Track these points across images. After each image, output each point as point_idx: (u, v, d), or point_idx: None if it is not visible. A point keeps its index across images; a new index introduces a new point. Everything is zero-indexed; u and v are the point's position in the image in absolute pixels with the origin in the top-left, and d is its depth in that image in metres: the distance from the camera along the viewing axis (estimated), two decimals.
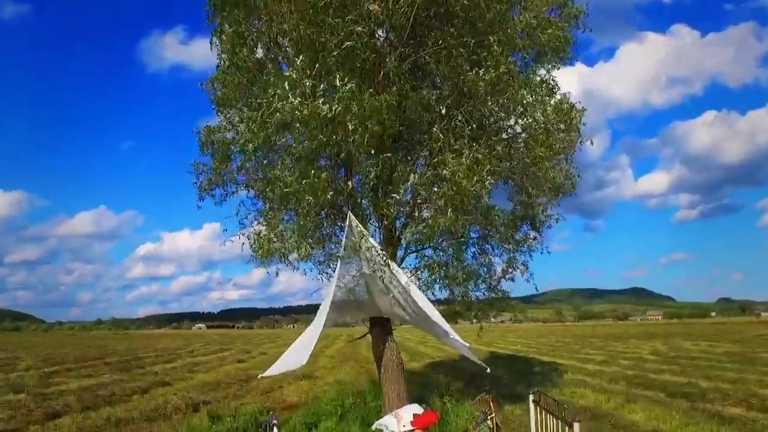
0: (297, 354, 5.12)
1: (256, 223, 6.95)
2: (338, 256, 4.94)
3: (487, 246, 7.34)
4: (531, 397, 4.25)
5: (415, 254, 6.65)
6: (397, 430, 3.39)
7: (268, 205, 6.62)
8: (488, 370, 5.89)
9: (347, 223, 4.91)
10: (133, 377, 16.89)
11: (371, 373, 14.32)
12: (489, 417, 3.35)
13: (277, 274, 6.65)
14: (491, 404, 3.41)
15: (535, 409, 4.23)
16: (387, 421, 3.50)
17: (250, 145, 5.10)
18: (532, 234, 7.21)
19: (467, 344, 4.33)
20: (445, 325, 4.59)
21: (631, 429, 8.09)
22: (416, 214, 6.20)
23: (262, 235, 6.52)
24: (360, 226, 5.11)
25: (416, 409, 3.46)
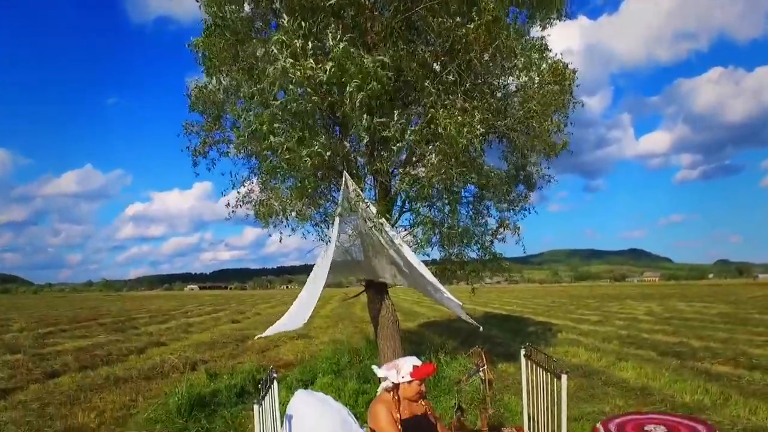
0: (295, 315, 5.34)
1: (249, 183, 7.09)
2: (335, 214, 5.08)
3: (481, 206, 7.50)
4: (522, 352, 4.50)
5: (409, 212, 6.84)
6: (396, 381, 3.62)
7: (263, 169, 6.74)
8: (481, 329, 6.15)
9: (343, 182, 5.05)
10: (129, 338, 17.26)
11: (366, 332, 14.73)
12: (481, 369, 3.58)
13: (278, 238, 6.83)
14: (483, 357, 3.63)
15: (526, 363, 4.48)
16: (387, 371, 3.71)
17: (264, 127, 5.16)
18: (527, 192, 7.36)
19: (460, 303, 4.54)
20: (438, 284, 4.80)
21: (620, 386, 8.47)
22: (411, 170, 6.32)
23: (260, 199, 6.69)
24: (355, 185, 5.25)
25: (415, 361, 3.66)
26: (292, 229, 6.72)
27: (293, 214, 6.33)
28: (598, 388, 8.32)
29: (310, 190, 6.06)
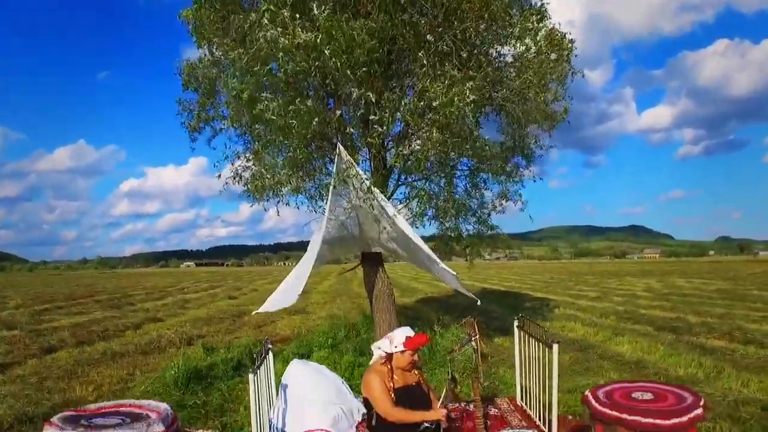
0: (290, 290, 5.42)
1: (244, 158, 7.13)
2: (330, 184, 5.11)
3: (478, 179, 7.55)
4: (516, 323, 4.60)
5: (405, 186, 6.90)
6: (390, 351, 3.72)
7: (257, 142, 6.77)
8: (479, 302, 6.25)
9: (337, 153, 5.08)
10: (125, 314, 17.42)
11: (364, 308, 14.90)
12: (473, 339, 3.67)
13: (274, 214, 6.88)
14: (475, 327, 3.72)
15: (519, 334, 4.58)
16: (381, 342, 3.81)
17: (245, 95, 5.15)
18: (524, 163, 7.41)
19: (455, 273, 4.62)
20: (433, 255, 4.87)
21: (615, 359, 8.62)
22: (407, 144, 6.35)
23: (254, 171, 6.73)
24: (349, 156, 5.28)
25: (408, 331, 3.76)
26: (286, 204, 6.78)
27: (287, 189, 6.38)
28: (593, 361, 8.47)
29: (302, 161, 6.09)
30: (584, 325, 12.27)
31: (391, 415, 3.63)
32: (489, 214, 7.32)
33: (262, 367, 4.17)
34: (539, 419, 4.32)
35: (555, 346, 3.78)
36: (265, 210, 6.89)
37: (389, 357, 3.81)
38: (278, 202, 6.81)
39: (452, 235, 7.00)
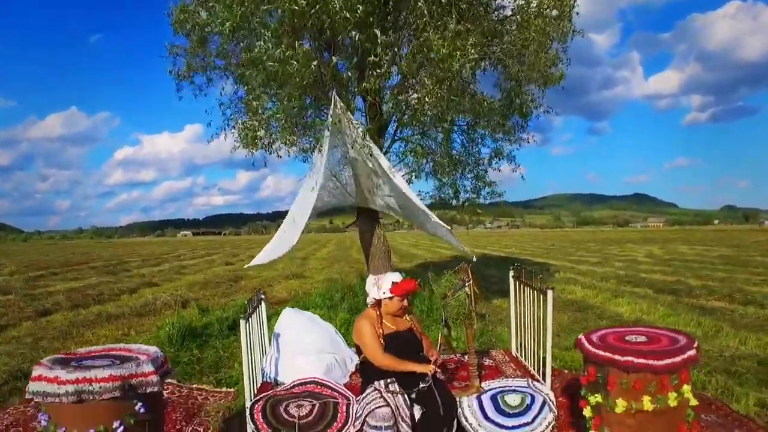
0: (284, 237, 5.42)
1: (238, 112, 7.09)
2: (325, 127, 5.05)
3: (475, 135, 7.51)
4: (511, 273, 4.62)
5: (401, 141, 6.86)
6: (378, 297, 3.74)
7: (250, 95, 6.70)
8: (474, 259, 6.28)
9: (332, 101, 5.02)
10: (121, 279, 17.56)
11: (362, 271, 14.99)
12: (467, 284, 3.69)
13: (272, 184, 6.84)
14: (469, 273, 3.74)
15: (515, 284, 4.61)
16: (369, 289, 3.84)
17: (227, 24, 5.08)
18: (520, 121, 7.36)
19: (449, 227, 4.63)
20: (428, 210, 4.87)
21: (614, 319, 8.72)
22: (405, 96, 6.29)
23: (246, 124, 6.68)
24: (344, 105, 5.23)
25: (395, 277, 3.77)
26: (278, 156, 6.76)
27: (280, 142, 6.35)
28: (591, 321, 8.56)
29: (297, 111, 6.04)
30: (584, 288, 12.39)
31: (379, 362, 3.66)
32: (486, 171, 7.30)
33: (254, 317, 4.22)
34: (534, 369, 4.38)
35: (549, 293, 3.81)
36: (254, 165, 6.89)
37: (378, 303, 3.84)
38: (271, 153, 6.80)
39: (451, 190, 7.00)
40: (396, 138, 7.17)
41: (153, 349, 3.22)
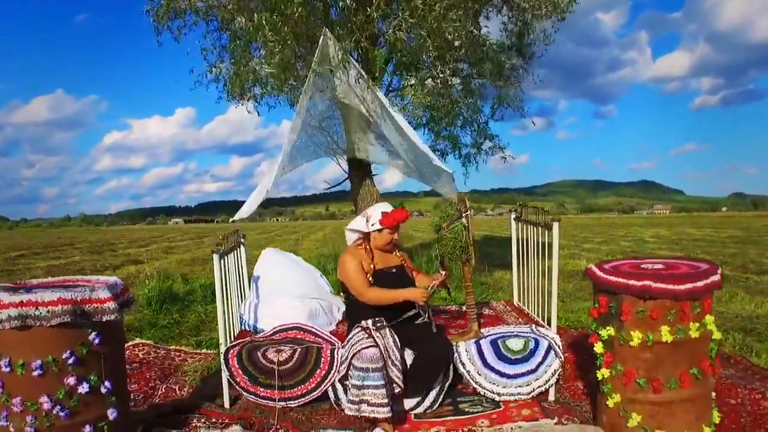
0: (265, 183, 5.11)
1: (223, 60, 6.81)
2: (313, 66, 4.76)
3: (473, 84, 7.23)
4: (513, 215, 4.36)
5: (395, 93, 6.58)
6: (366, 230, 3.48)
7: (238, 40, 6.43)
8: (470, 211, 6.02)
9: (321, 37, 4.72)
10: (105, 258, 17.31)
11: None
12: (464, 215, 3.44)
13: (257, 112, 6.57)
14: (466, 203, 3.48)
15: (516, 226, 4.36)
16: (356, 222, 3.57)
17: None
18: (523, 64, 7.09)
19: (451, 170, 4.36)
20: (429, 152, 4.59)
21: None
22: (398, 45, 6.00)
23: (232, 72, 6.42)
24: (336, 41, 4.92)
25: (385, 207, 3.51)
26: (269, 107, 6.49)
27: (270, 87, 6.08)
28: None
29: (288, 56, 5.77)
30: (588, 261, 12.16)
31: (365, 296, 3.42)
32: (486, 122, 7.03)
33: (231, 258, 3.96)
34: (538, 317, 4.15)
35: (555, 225, 3.55)
36: (248, 112, 6.63)
37: (366, 237, 3.59)
38: (260, 103, 6.55)
39: (449, 143, 6.74)
40: (391, 89, 6.90)
41: (112, 279, 2.97)
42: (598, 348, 2.96)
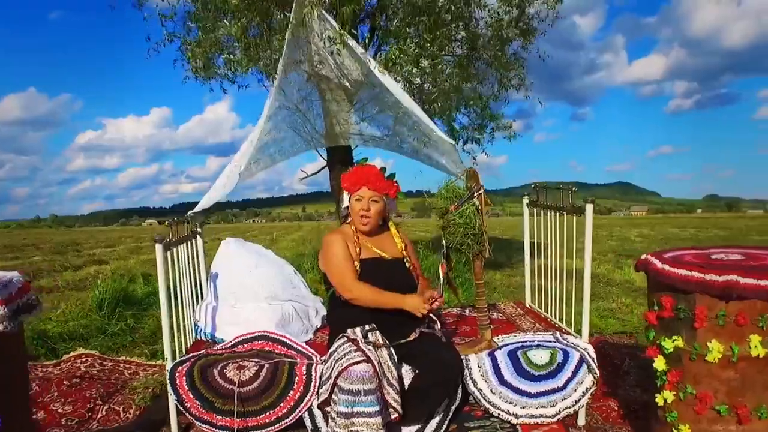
0: (229, 173, 4.36)
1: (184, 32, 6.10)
2: (287, 29, 4.06)
3: (471, 68, 6.60)
4: (525, 200, 3.68)
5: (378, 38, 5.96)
6: (347, 204, 2.76)
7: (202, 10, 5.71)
8: (483, 190, 5.38)
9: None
10: (68, 258, 16.28)
11: None
12: (475, 194, 2.72)
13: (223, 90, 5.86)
14: (479, 179, 2.76)
15: (530, 212, 3.68)
16: (345, 197, 2.84)
17: None
18: (524, 43, 6.48)
19: (453, 141, 3.66)
20: (427, 120, 3.88)
21: (625, 285, 7.96)
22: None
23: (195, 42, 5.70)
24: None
25: None
26: (233, 82, 5.77)
27: (237, 62, 5.36)
28: (599, 287, 7.73)
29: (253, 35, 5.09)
30: (581, 260, 11.56)
31: (350, 291, 2.70)
32: (487, 103, 6.37)
33: (183, 249, 3.20)
34: (559, 321, 3.47)
35: (589, 208, 2.87)
36: (212, 90, 5.88)
37: (350, 215, 2.88)
38: (224, 83, 5.83)
39: (443, 123, 6.08)
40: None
41: (8, 275, 2.19)
42: (660, 364, 2.27)
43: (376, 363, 2.46)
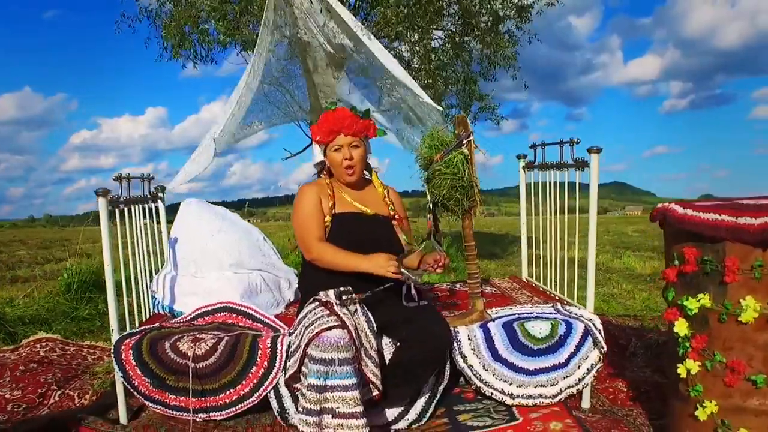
0: (204, 151, 4.01)
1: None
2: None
3: (464, 44, 6.28)
4: (521, 163, 3.34)
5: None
6: (322, 156, 2.41)
7: None
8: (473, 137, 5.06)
9: None
10: (52, 253, 15.88)
11: None
12: (464, 142, 2.37)
13: (193, 65, 5.51)
14: (468, 125, 2.41)
15: (525, 174, 3.35)
16: (315, 150, 2.49)
17: None
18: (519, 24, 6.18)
19: (440, 108, 3.32)
20: (414, 83, 3.55)
21: (625, 273, 7.66)
22: None
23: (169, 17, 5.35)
24: None
25: None
26: (210, 59, 5.43)
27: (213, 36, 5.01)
28: (599, 274, 7.40)
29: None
30: (582, 250, 11.25)
31: (309, 251, 2.37)
32: (475, 82, 6.04)
33: (137, 210, 2.85)
34: (560, 292, 3.13)
35: (593, 159, 2.54)
36: (184, 67, 5.52)
37: (328, 170, 2.54)
38: (200, 60, 5.49)
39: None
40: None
41: None
42: (681, 328, 1.92)
43: (352, 329, 2.11)
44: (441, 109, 3.36)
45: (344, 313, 2.15)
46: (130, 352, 2.37)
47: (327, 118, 2.42)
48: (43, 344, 4.32)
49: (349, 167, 2.44)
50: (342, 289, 2.28)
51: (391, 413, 2.40)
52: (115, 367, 2.39)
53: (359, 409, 2.04)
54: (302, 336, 2.15)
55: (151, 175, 2.99)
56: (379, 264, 2.27)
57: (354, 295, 2.28)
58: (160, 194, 3.18)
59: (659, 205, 2.06)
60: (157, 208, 3.16)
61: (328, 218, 2.39)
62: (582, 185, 2.78)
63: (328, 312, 2.17)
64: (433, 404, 2.47)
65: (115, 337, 2.45)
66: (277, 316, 2.85)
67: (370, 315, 2.29)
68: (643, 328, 4.07)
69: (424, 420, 2.44)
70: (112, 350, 2.40)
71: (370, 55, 3.88)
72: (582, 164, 2.66)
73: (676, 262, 1.94)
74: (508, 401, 2.49)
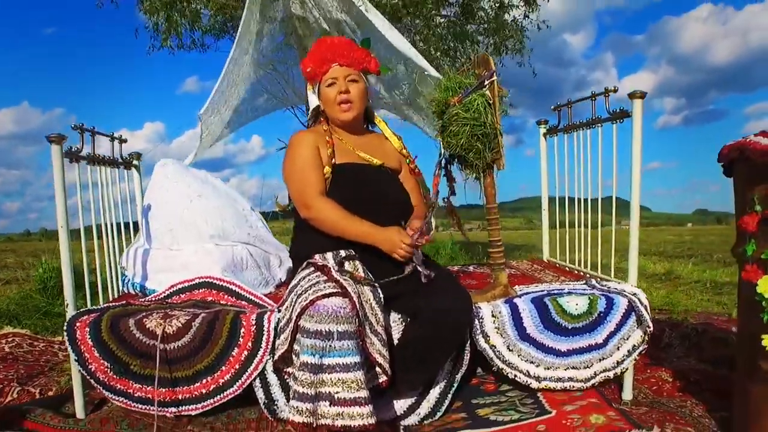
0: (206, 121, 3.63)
1: None
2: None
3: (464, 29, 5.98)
4: (542, 129, 2.96)
5: None
6: (317, 102, 2.02)
7: None
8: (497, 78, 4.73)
9: None
10: (41, 260, 15.44)
11: None
12: (488, 82, 1.98)
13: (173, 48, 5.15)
14: (491, 63, 2.02)
15: (546, 144, 2.97)
16: (308, 93, 2.11)
17: None
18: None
19: (440, 76, 2.96)
20: (420, 59, 3.19)
21: (639, 272, 7.23)
22: None
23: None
24: None
25: None
26: (202, 43, 5.11)
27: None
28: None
29: None
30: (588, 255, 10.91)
31: (307, 208, 1.93)
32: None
33: (106, 174, 2.46)
34: (590, 269, 2.75)
35: (637, 104, 2.16)
36: (171, 48, 5.17)
37: (324, 116, 2.15)
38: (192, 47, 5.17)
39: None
40: None
41: None
42: (765, 287, 1.53)
43: (355, 297, 1.71)
44: (440, 76, 3.00)
45: (345, 279, 1.76)
46: (87, 330, 1.96)
47: (319, 46, 2.04)
48: (9, 339, 3.92)
49: (345, 102, 2.03)
50: (343, 253, 1.88)
51: (399, 406, 2.00)
52: (69, 348, 1.99)
53: (363, 393, 1.64)
54: (294, 306, 1.74)
55: (123, 137, 2.59)
56: (392, 240, 1.87)
57: (358, 262, 1.88)
58: (135, 162, 2.79)
59: (731, 142, 1.67)
60: (130, 176, 2.77)
61: (327, 169, 1.99)
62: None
63: (325, 278, 1.77)
64: (450, 396, 2.06)
65: (70, 312, 2.05)
66: (267, 296, 2.44)
67: (376, 285, 1.89)
68: (674, 320, 3.69)
69: (439, 414, 2.03)
70: (65, 328, 2.00)
71: (371, 27, 3.52)
72: (621, 115, 2.27)
73: (758, 208, 1.56)
74: (534, 384, 2.09)
